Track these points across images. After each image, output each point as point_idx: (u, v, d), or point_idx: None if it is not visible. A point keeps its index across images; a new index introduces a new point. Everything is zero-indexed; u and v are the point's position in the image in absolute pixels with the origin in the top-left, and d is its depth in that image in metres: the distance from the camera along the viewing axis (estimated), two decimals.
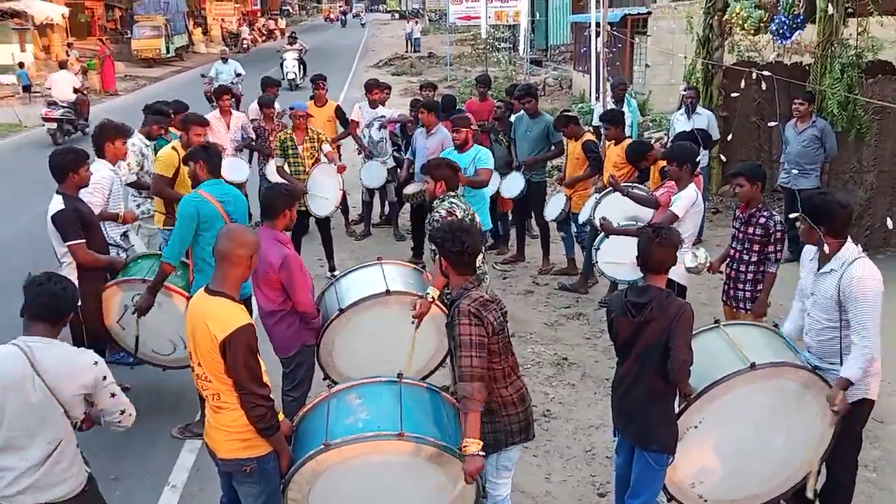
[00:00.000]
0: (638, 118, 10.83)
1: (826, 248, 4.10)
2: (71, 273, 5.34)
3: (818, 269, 4.17)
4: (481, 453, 3.52)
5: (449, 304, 3.89)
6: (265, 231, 4.59)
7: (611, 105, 10.08)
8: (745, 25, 10.00)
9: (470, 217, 5.29)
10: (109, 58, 26.45)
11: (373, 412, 3.70)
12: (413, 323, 4.80)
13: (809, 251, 4.32)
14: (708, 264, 5.01)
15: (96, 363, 3.39)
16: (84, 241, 5.26)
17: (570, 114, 8.30)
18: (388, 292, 4.89)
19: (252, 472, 3.50)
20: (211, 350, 3.33)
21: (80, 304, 5.30)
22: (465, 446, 3.50)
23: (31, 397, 3.21)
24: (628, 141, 7.73)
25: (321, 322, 4.84)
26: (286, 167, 8.16)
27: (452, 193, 5.36)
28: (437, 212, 5.20)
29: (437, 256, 3.89)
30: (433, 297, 4.82)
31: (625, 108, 9.64)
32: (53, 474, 3.35)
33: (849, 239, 4.12)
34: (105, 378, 3.42)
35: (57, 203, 5.24)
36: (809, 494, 3.90)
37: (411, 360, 4.74)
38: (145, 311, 5.25)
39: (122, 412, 3.53)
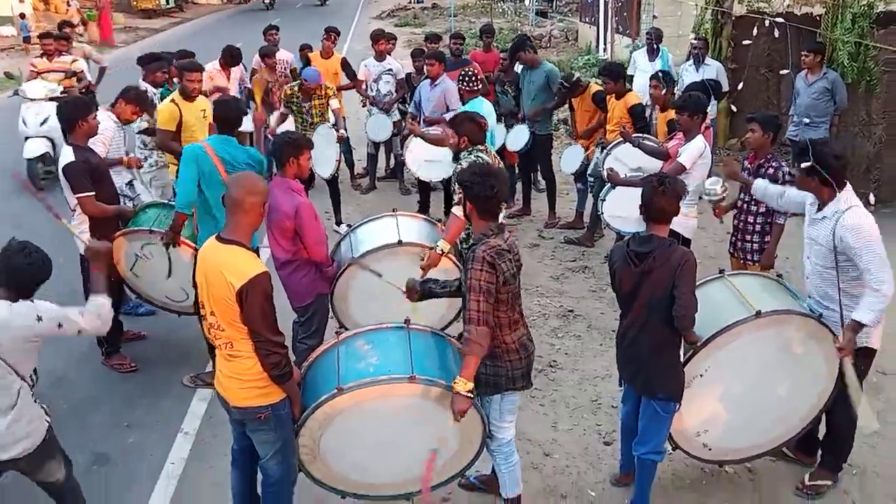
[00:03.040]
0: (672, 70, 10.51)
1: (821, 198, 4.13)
2: (83, 223, 5.40)
3: (814, 216, 4.21)
4: (469, 395, 3.57)
5: (468, 248, 3.89)
6: (278, 181, 4.60)
7: (642, 56, 9.91)
8: None
9: None
10: (105, 9, 26.09)
11: (382, 357, 3.75)
12: (421, 275, 4.81)
13: (809, 196, 4.33)
14: (725, 193, 5.06)
15: (39, 318, 3.42)
16: (93, 193, 5.28)
17: (611, 64, 8.18)
18: (399, 243, 4.92)
19: (266, 419, 3.55)
20: (226, 298, 3.35)
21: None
22: (454, 384, 3.56)
23: None
24: (631, 94, 7.63)
25: (335, 271, 4.86)
26: (292, 123, 8.10)
27: (481, 147, 5.32)
28: (461, 165, 5.17)
29: (462, 199, 3.87)
30: (443, 250, 4.83)
31: (657, 60, 9.50)
32: (12, 433, 3.46)
33: (846, 187, 4.11)
34: (57, 326, 3.48)
35: (67, 154, 5.24)
36: (877, 425, 3.92)
37: (416, 311, 4.72)
38: (173, 244, 5.39)
39: (80, 332, 3.59)
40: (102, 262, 3.88)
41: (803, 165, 4.13)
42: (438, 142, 6.97)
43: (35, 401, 3.57)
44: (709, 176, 5.85)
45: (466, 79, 6.91)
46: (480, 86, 7.02)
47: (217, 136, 5.35)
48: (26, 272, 3.47)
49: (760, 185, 4.81)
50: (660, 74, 7.39)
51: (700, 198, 5.66)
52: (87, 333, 3.65)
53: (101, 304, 3.70)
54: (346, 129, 8.47)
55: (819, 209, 4.18)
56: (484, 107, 6.92)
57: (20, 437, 3.49)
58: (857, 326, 3.97)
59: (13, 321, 3.38)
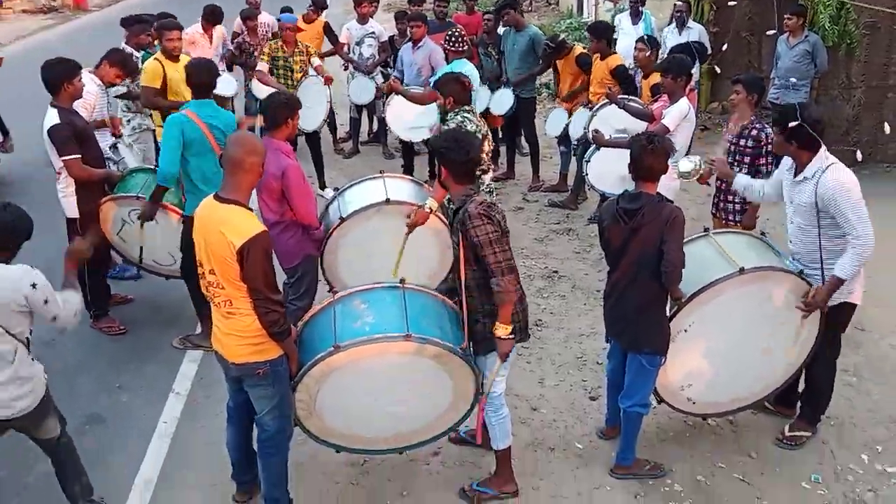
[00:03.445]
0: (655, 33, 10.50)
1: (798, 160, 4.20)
2: (68, 186, 5.38)
3: (794, 178, 4.27)
4: (511, 336, 3.76)
5: (452, 214, 3.94)
6: (266, 141, 4.60)
7: (626, 19, 9.90)
8: None
9: (483, 133, 5.29)
10: None
11: (378, 316, 3.81)
12: (405, 232, 4.84)
13: (786, 162, 4.41)
14: (701, 171, 5.11)
15: (34, 286, 3.45)
16: (79, 156, 5.26)
17: (598, 23, 8.20)
18: (387, 201, 4.95)
19: (265, 374, 3.61)
20: (226, 257, 3.38)
21: (77, 217, 5.39)
22: (496, 329, 3.74)
23: None
24: (614, 56, 7.66)
25: (324, 232, 4.89)
26: (276, 80, 8.08)
27: (467, 108, 5.34)
28: (447, 125, 5.19)
29: (438, 167, 3.93)
30: (430, 208, 4.87)
31: (640, 24, 9.50)
32: (11, 394, 3.51)
33: (822, 148, 4.18)
34: (43, 301, 3.50)
35: (52, 116, 5.20)
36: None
37: (397, 268, 4.75)
38: (149, 219, 5.37)
39: (55, 318, 3.60)
40: (76, 262, 3.88)
41: (788, 127, 4.18)
42: (419, 100, 6.99)
43: (32, 360, 3.60)
44: (688, 152, 5.91)
45: (453, 39, 6.91)
46: (466, 47, 7.02)
47: (195, 100, 5.30)
48: (11, 227, 3.48)
49: (742, 182, 4.83)
50: (645, 38, 7.42)
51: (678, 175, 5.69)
52: (58, 324, 3.64)
53: (78, 302, 3.74)
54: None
55: (798, 172, 4.25)
56: (467, 67, 6.93)
57: (19, 397, 3.53)
58: (837, 282, 4.07)
59: (12, 283, 3.41)
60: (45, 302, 3.51)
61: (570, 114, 7.87)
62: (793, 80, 8.24)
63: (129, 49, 7.25)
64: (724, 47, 9.91)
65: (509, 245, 3.85)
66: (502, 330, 3.74)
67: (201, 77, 5.29)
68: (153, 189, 5.40)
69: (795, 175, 4.27)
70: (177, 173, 5.19)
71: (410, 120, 7.86)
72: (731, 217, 5.58)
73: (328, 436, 4.02)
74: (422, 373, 3.81)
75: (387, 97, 8.47)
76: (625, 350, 4.23)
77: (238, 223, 3.41)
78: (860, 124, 8.92)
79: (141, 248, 5.56)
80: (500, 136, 9.00)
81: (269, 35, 9.78)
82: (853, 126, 8.92)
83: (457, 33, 6.97)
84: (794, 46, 8.28)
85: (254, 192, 3.75)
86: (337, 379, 3.75)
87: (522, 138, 9.18)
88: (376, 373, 3.78)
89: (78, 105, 5.60)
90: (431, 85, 6.08)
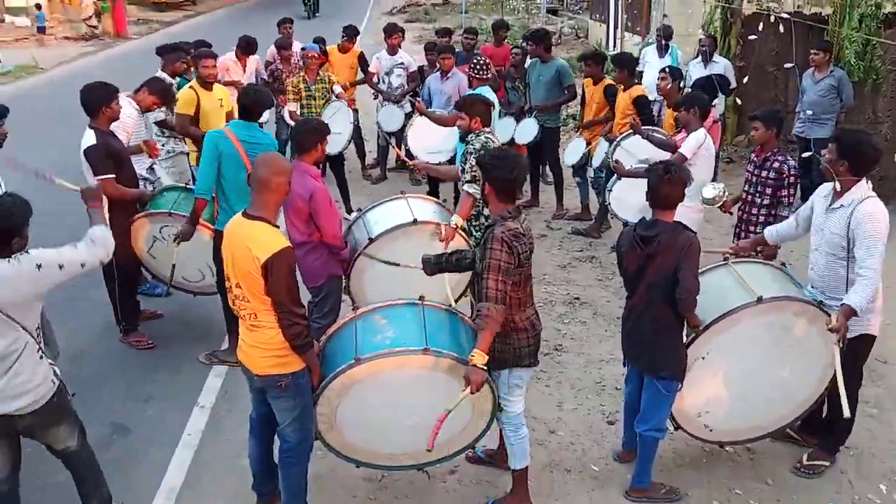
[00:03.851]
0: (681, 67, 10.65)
1: (838, 186, 4.22)
2: (102, 205, 5.53)
3: (829, 206, 4.29)
4: (484, 367, 3.70)
5: (484, 228, 4.02)
6: (296, 164, 4.75)
7: (652, 52, 10.05)
8: None
9: None
10: (119, 1, 26.26)
11: (398, 330, 3.91)
12: (444, 247, 4.94)
13: (825, 188, 4.43)
14: (725, 198, 5.16)
15: (39, 266, 3.43)
16: (114, 175, 5.44)
17: (596, 52, 8.31)
18: (415, 221, 5.08)
19: (287, 386, 3.71)
20: (252, 271, 3.51)
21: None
22: (471, 357, 3.69)
23: None
24: (638, 87, 7.78)
25: (350, 254, 5.03)
26: (299, 111, 8.35)
27: (487, 129, 5.48)
28: (471, 145, 5.30)
29: (482, 181, 4.01)
30: (457, 225, 4.99)
31: (667, 57, 9.63)
32: (14, 386, 3.48)
33: (864, 180, 4.21)
34: (58, 268, 3.48)
35: (89, 137, 5.40)
36: (847, 413, 3.96)
37: (448, 290, 4.88)
38: (187, 239, 5.49)
39: (83, 265, 3.61)
40: (98, 199, 3.96)
41: (848, 146, 4.16)
42: (443, 122, 7.15)
43: (41, 358, 3.58)
44: (714, 177, 5.99)
45: (478, 66, 7.06)
46: (490, 75, 7.17)
47: (238, 121, 5.47)
48: (9, 216, 3.45)
49: (772, 233, 4.86)
50: (667, 68, 7.53)
51: (702, 202, 5.75)
52: (91, 265, 3.63)
53: (97, 231, 3.72)
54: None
55: (834, 199, 4.26)
56: (488, 94, 7.09)
57: (20, 392, 3.50)
58: (849, 311, 4.04)
59: (14, 274, 3.40)
60: (61, 267, 3.50)
61: (589, 143, 7.99)
62: (818, 114, 8.29)
63: (164, 75, 7.48)
64: (745, 80, 10.00)
65: (527, 275, 3.91)
66: (479, 358, 3.68)
67: (251, 101, 5.42)
68: (185, 206, 5.57)
69: (832, 203, 4.29)
70: (213, 187, 5.34)
71: (430, 144, 8.06)
72: (753, 230, 5.58)
73: (348, 450, 4.10)
74: (440, 387, 3.87)
75: (409, 121, 8.68)
76: (641, 374, 4.28)
77: (264, 239, 3.54)
78: (885, 158, 8.88)
79: (173, 265, 5.70)
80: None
81: (301, 63, 10.06)
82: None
83: (482, 61, 7.13)
84: (819, 81, 8.35)
85: (281, 212, 3.88)
86: (357, 392, 3.84)
87: (547, 167, 9.30)
88: (396, 386, 3.86)
89: (116, 127, 5.80)
90: (454, 107, 6.24)
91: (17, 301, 3.42)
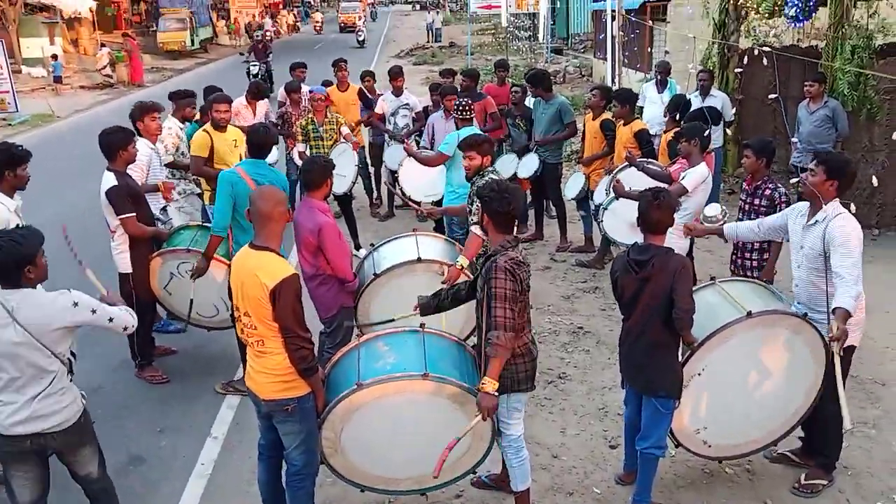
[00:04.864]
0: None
1: (826, 205, 4.40)
2: (123, 243, 5.78)
3: (806, 223, 4.49)
4: (495, 393, 3.87)
5: (484, 260, 4.19)
6: (306, 201, 4.97)
7: (651, 88, 10.30)
8: (760, 9, 10.24)
9: None
10: (135, 51, 26.94)
11: (399, 357, 4.07)
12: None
13: (798, 208, 4.64)
14: (725, 219, 5.36)
15: (76, 304, 3.68)
16: (134, 214, 5.68)
17: (603, 85, 8.55)
18: (419, 260, 5.26)
19: (293, 411, 3.87)
20: (260, 298, 3.70)
21: (130, 272, 5.78)
22: (482, 385, 3.85)
23: (14, 339, 3.57)
24: (638, 122, 8.00)
25: (358, 286, 5.22)
26: (307, 151, 8.61)
27: (491, 168, 5.69)
28: (476, 186, 5.50)
29: (480, 212, 4.20)
30: (462, 266, 5.16)
31: (665, 92, 9.89)
32: (47, 406, 3.71)
33: (836, 198, 4.43)
34: (91, 312, 3.73)
35: (109, 179, 5.64)
36: (848, 425, 4.01)
37: (444, 324, 5.05)
38: (202, 274, 5.70)
39: (111, 320, 3.84)
40: (120, 302, 4.13)
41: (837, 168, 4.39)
42: (429, 162, 7.36)
43: (70, 380, 3.81)
44: (710, 200, 6.17)
45: (460, 108, 7.24)
46: (472, 115, 7.34)
47: (248, 160, 5.71)
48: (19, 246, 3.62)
49: (730, 230, 5.15)
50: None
51: (701, 222, 5.92)
52: (116, 324, 3.85)
53: (127, 310, 4.00)
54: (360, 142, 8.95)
55: (810, 217, 4.47)
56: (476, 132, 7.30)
57: (54, 412, 3.72)
58: (845, 313, 4.11)
59: (49, 302, 3.66)
60: (94, 311, 3.76)
61: (588, 177, 8.20)
62: (814, 143, 8.46)
63: (173, 119, 7.72)
64: (734, 111, 10.26)
65: (526, 302, 4.07)
66: (490, 385, 3.83)
67: (259, 139, 5.67)
68: (202, 243, 5.79)
69: (808, 220, 4.48)
70: (228, 224, 5.55)
71: (422, 184, 8.33)
72: (748, 273, 5.73)
73: (353, 474, 4.23)
74: (441, 413, 4.02)
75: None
76: (639, 394, 4.41)
77: (271, 268, 3.74)
78: (884, 187, 9.05)
79: (191, 300, 5.89)
80: (529, 198, 9.34)
81: (310, 106, 10.37)
82: (877, 189, 9.04)
83: (463, 103, 7.28)
84: (814, 112, 8.53)
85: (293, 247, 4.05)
86: (361, 417, 3.99)
87: (550, 201, 9.50)
88: (398, 411, 4.00)
89: (134, 167, 6.05)
90: (454, 142, 6.44)
91: (52, 329, 3.64)
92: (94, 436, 4.04)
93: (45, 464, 3.89)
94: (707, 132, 6.47)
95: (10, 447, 3.74)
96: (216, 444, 5.34)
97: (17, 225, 4.80)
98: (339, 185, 8.37)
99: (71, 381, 3.82)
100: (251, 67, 22.29)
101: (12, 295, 3.62)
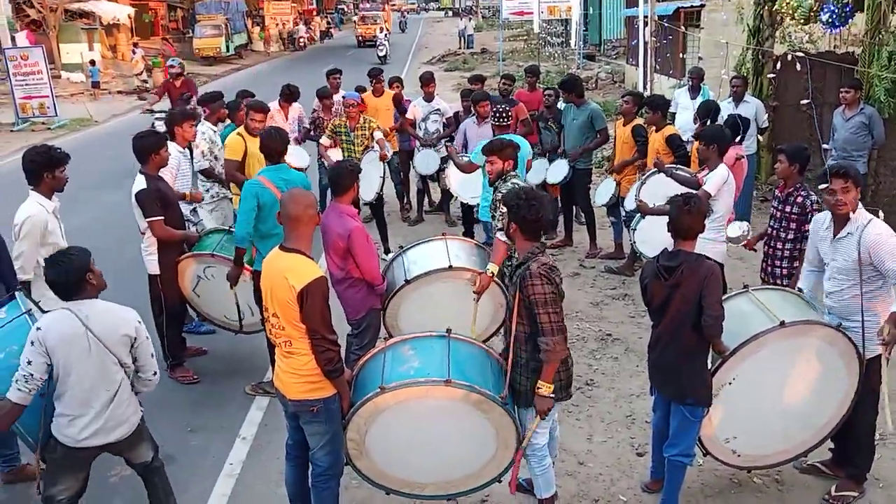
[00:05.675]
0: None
1: (853, 216, 4.35)
2: (151, 245, 5.88)
3: (835, 237, 4.43)
4: (552, 395, 3.98)
5: (514, 268, 4.19)
6: (334, 205, 5.02)
7: (684, 94, 10.24)
8: (795, 15, 10.11)
9: None
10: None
11: (424, 361, 4.08)
12: (474, 298, 5.16)
13: (821, 222, 4.60)
14: (748, 237, 5.28)
15: (140, 322, 3.89)
16: (162, 217, 5.76)
17: (635, 91, 8.53)
18: (450, 268, 5.27)
19: (319, 411, 3.91)
20: (288, 300, 3.75)
21: (158, 273, 5.88)
22: (538, 388, 3.97)
23: (89, 348, 3.72)
24: (669, 128, 7.95)
25: (386, 289, 5.26)
26: (340, 153, 8.66)
27: (514, 173, 5.70)
28: (500, 191, 5.51)
29: (507, 220, 4.18)
30: (492, 273, 5.17)
31: (699, 98, 9.82)
32: (115, 417, 3.87)
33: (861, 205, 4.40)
34: (147, 337, 3.94)
35: (140, 182, 5.75)
36: (891, 427, 4.01)
37: (474, 330, 5.10)
38: (235, 282, 5.81)
39: (155, 373, 4.04)
40: None
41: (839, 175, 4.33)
42: (463, 169, 7.39)
43: (132, 389, 3.97)
44: (741, 207, 6.11)
45: (498, 115, 7.27)
46: (509, 121, 7.38)
47: (269, 167, 5.74)
48: (57, 272, 3.78)
49: (808, 287, 4.86)
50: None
51: (727, 240, 5.88)
52: (151, 362, 4.01)
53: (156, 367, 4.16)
54: (389, 154, 8.95)
55: (838, 229, 4.41)
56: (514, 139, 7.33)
57: (121, 423, 3.89)
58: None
59: (119, 313, 3.87)
60: (147, 338, 3.95)
61: (618, 184, 8.16)
62: (850, 150, 8.35)
63: (207, 123, 7.81)
64: (766, 117, 10.12)
65: (562, 307, 4.06)
66: (545, 388, 3.97)
67: (273, 143, 5.69)
68: (228, 248, 5.86)
69: (836, 234, 4.43)
70: (251, 236, 5.59)
71: (469, 185, 8.32)
72: (779, 282, 5.68)
73: (378, 477, 4.25)
74: (466, 419, 4.02)
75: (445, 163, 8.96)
76: (668, 401, 4.38)
77: (299, 269, 3.78)
78: None
79: (237, 304, 6.01)
80: (559, 205, 9.32)
81: (342, 112, 10.45)
82: None
83: (501, 109, 7.31)
84: (850, 119, 8.41)
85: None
86: (385, 420, 4.01)
87: (579, 207, 9.48)
88: (422, 416, 4.02)
89: (163, 171, 6.13)
90: (480, 151, 6.46)
91: (120, 334, 3.80)
92: (148, 430, 4.20)
93: (90, 466, 4.02)
94: (734, 139, 6.41)
95: (75, 456, 3.89)
96: (245, 444, 5.40)
97: (59, 227, 5.02)
98: (365, 192, 8.41)
99: (132, 389, 3.98)
100: (156, 123, 12.12)
101: (82, 305, 3.78)
